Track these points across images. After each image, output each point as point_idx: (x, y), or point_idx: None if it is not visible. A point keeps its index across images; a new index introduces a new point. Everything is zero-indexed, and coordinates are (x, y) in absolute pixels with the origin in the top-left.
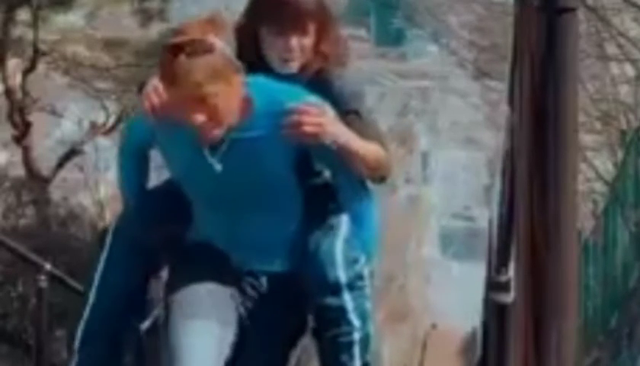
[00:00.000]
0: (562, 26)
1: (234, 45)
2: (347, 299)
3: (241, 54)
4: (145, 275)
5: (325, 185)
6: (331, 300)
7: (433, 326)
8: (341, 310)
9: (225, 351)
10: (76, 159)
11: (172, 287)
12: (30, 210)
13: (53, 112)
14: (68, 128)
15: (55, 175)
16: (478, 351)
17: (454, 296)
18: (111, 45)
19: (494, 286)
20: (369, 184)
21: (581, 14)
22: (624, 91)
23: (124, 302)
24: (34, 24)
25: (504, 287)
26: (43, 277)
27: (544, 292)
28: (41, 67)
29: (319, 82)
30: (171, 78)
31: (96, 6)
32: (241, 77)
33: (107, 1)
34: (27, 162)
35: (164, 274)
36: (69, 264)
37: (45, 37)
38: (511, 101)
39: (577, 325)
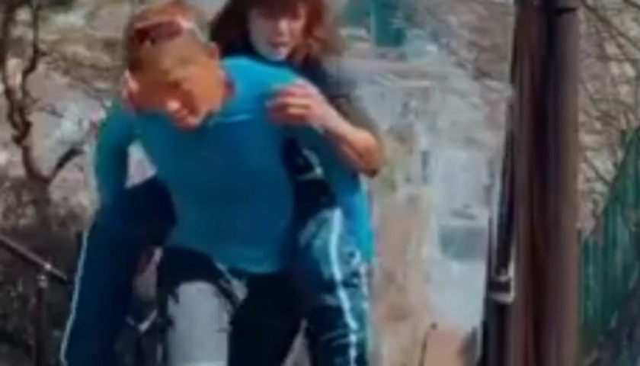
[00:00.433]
0: (562, 26)
1: (207, 28)
2: (343, 298)
3: (228, 41)
4: (128, 274)
5: (316, 181)
6: (325, 299)
7: (433, 326)
8: (337, 310)
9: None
10: (76, 159)
11: (163, 297)
12: (30, 210)
13: (53, 112)
14: (68, 128)
15: (55, 175)
16: (478, 351)
17: (454, 296)
18: (111, 45)
19: (494, 286)
20: (363, 180)
21: (581, 14)
22: (624, 91)
23: (110, 302)
24: (34, 24)
25: (504, 287)
26: (43, 277)
27: (544, 292)
28: (41, 67)
29: (308, 68)
30: (138, 66)
31: (96, 6)
32: (215, 60)
33: (107, 1)
34: (27, 162)
35: (150, 272)
36: (69, 264)
37: (45, 37)
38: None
39: (577, 325)
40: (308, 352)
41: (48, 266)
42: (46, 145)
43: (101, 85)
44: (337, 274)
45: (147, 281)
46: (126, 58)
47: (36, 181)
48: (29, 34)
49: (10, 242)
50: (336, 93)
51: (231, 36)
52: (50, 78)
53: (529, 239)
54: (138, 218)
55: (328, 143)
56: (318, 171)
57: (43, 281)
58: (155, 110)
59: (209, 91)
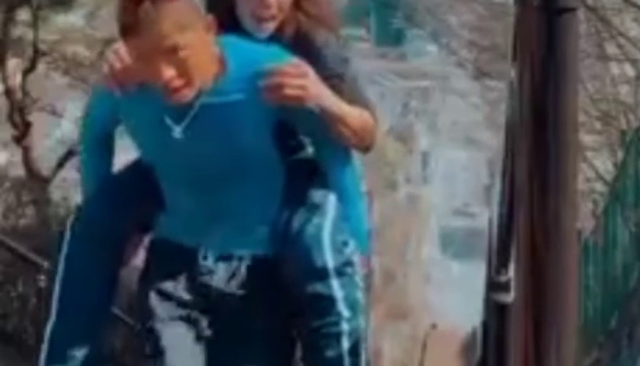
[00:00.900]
0: (562, 26)
1: (203, 5)
2: (336, 286)
3: (215, 17)
4: (115, 267)
5: (308, 161)
6: (317, 288)
7: (433, 326)
8: (329, 299)
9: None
10: (76, 159)
11: (144, 304)
12: (30, 210)
13: (53, 112)
14: (68, 128)
15: (55, 175)
16: (478, 351)
17: (454, 296)
18: (111, 45)
19: (494, 286)
20: (362, 179)
21: (581, 14)
22: (624, 91)
23: (96, 300)
24: (34, 24)
25: (504, 287)
26: (42, 277)
27: (544, 292)
28: (41, 67)
29: (299, 45)
30: (134, 29)
31: (96, 6)
32: (211, 35)
33: (107, 1)
34: (27, 162)
35: (138, 262)
36: None
37: (45, 37)
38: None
39: (577, 325)
40: (299, 343)
41: (48, 266)
42: (46, 145)
43: None
44: (330, 262)
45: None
46: (120, 22)
47: (36, 181)
48: (29, 34)
49: (10, 242)
50: (329, 72)
51: (217, 11)
52: (50, 78)
53: (529, 239)
54: (125, 205)
55: (322, 123)
56: (310, 150)
57: (43, 281)
58: (143, 87)
59: (204, 64)
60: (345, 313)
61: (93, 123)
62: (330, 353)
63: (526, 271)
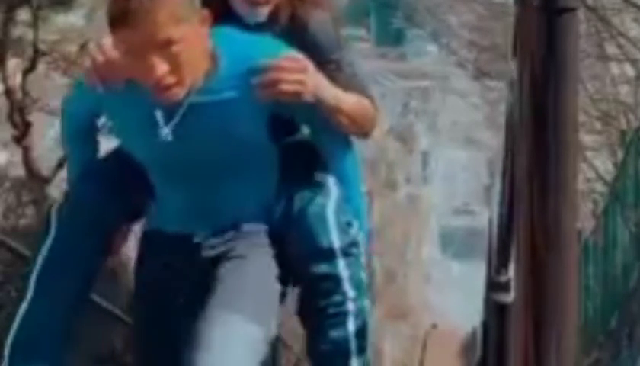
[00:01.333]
0: (562, 26)
1: None
2: (342, 267)
3: (207, 5)
4: (101, 256)
5: (304, 143)
6: (323, 268)
7: (433, 326)
8: (335, 279)
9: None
10: None
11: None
12: (30, 210)
13: (53, 112)
14: None
15: (55, 175)
16: (478, 351)
17: (454, 296)
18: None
19: (494, 286)
20: (362, 177)
21: (581, 14)
22: (624, 91)
23: (75, 290)
24: (34, 24)
25: (504, 287)
26: None
27: (544, 292)
28: (41, 67)
29: (294, 31)
30: (125, 20)
31: (96, 6)
32: (206, 28)
33: (106, 1)
34: (27, 162)
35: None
36: None
37: (45, 37)
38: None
39: (577, 325)
40: (303, 326)
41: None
42: (46, 145)
43: None
44: (336, 242)
45: None
46: (110, 13)
47: (36, 181)
48: (29, 34)
49: (10, 242)
50: (325, 58)
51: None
52: (50, 78)
53: (529, 239)
54: (112, 191)
55: (319, 112)
56: (305, 131)
57: None
58: (129, 84)
59: (195, 61)
60: (351, 293)
61: (73, 117)
62: (336, 333)
63: (526, 271)
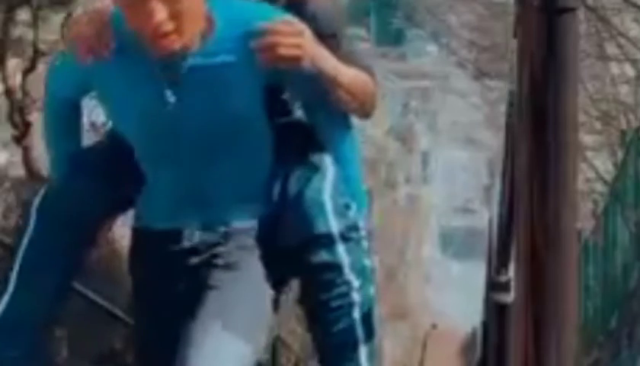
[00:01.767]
0: (562, 26)
1: None
2: (342, 253)
3: None
4: (83, 248)
5: (299, 124)
6: (322, 256)
7: (434, 326)
8: (336, 267)
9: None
10: None
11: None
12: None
13: None
14: None
15: None
16: (478, 351)
17: (454, 296)
18: None
19: (494, 286)
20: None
21: (581, 14)
22: (624, 91)
23: (54, 286)
24: (34, 24)
25: (504, 287)
26: None
27: (544, 292)
28: (41, 67)
29: (292, 6)
30: None
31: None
32: None
33: None
34: (27, 162)
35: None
36: None
37: (45, 37)
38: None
39: (577, 325)
40: (306, 318)
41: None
42: None
43: None
44: (334, 227)
45: None
46: None
47: (36, 181)
48: (29, 34)
49: (10, 241)
50: (324, 31)
51: None
52: None
53: (529, 239)
54: (100, 179)
55: (317, 86)
56: (298, 113)
57: None
58: (122, 48)
59: (194, 15)
60: (355, 282)
61: (57, 94)
62: (341, 326)
63: (526, 271)
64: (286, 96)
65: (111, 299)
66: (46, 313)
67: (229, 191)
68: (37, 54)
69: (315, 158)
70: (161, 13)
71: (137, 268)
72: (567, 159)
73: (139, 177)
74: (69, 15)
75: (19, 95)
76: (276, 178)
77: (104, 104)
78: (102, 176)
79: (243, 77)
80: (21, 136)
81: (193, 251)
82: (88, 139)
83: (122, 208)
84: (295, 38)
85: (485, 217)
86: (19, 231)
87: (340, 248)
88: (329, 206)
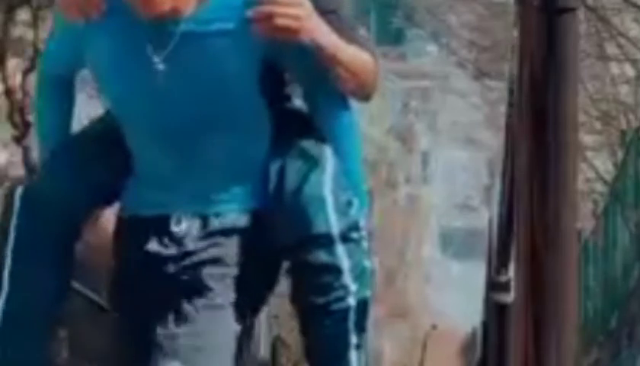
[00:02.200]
0: (562, 26)
1: None
2: (342, 255)
3: None
4: (72, 241)
5: (297, 112)
6: (321, 258)
7: (434, 327)
8: (334, 270)
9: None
10: None
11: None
12: None
13: None
14: None
15: None
16: (478, 351)
17: (454, 296)
18: None
19: (494, 286)
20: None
21: (581, 14)
22: (624, 91)
23: (49, 274)
24: (34, 24)
25: (504, 287)
26: None
27: (544, 292)
28: None
29: None
30: None
31: None
32: None
33: None
34: (27, 162)
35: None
36: None
37: (45, 37)
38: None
39: (577, 325)
40: (298, 317)
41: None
42: None
43: None
44: (335, 226)
45: None
46: None
47: None
48: (29, 34)
49: None
50: (325, 7)
51: None
52: None
53: (529, 239)
54: (87, 167)
55: (316, 63)
56: (297, 102)
57: None
58: (112, 10)
59: None
60: (352, 286)
61: (51, 60)
62: (335, 331)
63: (526, 271)
64: (285, 78)
65: None
66: (45, 312)
67: (220, 172)
68: (37, 54)
69: (314, 149)
70: None
71: (118, 260)
72: (567, 159)
73: (127, 167)
74: None
75: (19, 95)
76: (272, 168)
77: (94, 72)
78: (87, 164)
79: (238, 48)
80: (21, 136)
81: (174, 257)
82: None
83: (108, 199)
84: (293, 9)
85: (485, 217)
86: (3, 222)
87: (340, 250)
88: (330, 202)
